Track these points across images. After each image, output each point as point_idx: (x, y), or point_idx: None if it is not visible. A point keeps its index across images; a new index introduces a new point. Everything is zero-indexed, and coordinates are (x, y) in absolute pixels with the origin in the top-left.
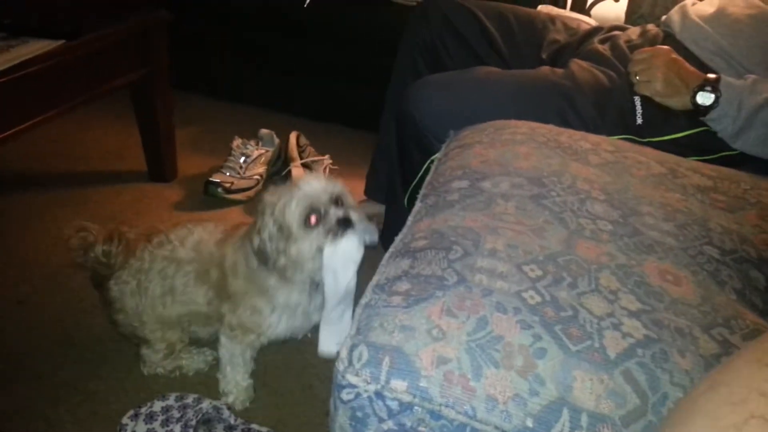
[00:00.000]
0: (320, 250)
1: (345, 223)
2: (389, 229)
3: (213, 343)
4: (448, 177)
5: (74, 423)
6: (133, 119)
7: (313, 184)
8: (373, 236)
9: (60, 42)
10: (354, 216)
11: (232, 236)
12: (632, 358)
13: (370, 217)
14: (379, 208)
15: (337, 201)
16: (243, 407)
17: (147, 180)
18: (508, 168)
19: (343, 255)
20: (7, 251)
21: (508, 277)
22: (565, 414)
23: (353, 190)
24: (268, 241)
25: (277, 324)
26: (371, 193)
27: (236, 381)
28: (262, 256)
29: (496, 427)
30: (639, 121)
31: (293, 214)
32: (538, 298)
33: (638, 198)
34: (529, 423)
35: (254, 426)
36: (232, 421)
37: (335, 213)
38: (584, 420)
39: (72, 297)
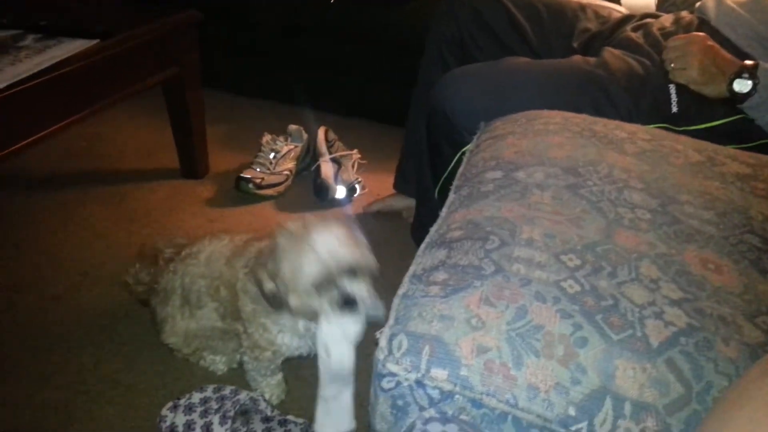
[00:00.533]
0: (317, 314)
1: (349, 303)
2: (420, 222)
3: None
4: (482, 168)
5: (116, 415)
6: (164, 117)
7: (333, 247)
8: (378, 311)
9: (94, 42)
10: (362, 294)
11: (242, 255)
12: (675, 347)
13: (398, 212)
14: (409, 202)
15: (352, 272)
16: (278, 401)
17: (179, 177)
18: (543, 158)
19: (337, 332)
20: (43, 248)
21: (546, 266)
22: (608, 403)
23: (382, 184)
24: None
25: (290, 343)
26: (400, 186)
27: (266, 382)
28: (275, 300)
29: (539, 416)
30: (674, 109)
31: (303, 274)
32: (577, 288)
33: (677, 186)
34: (572, 411)
35: (290, 417)
36: (268, 413)
37: (344, 287)
38: (627, 409)
39: (108, 293)
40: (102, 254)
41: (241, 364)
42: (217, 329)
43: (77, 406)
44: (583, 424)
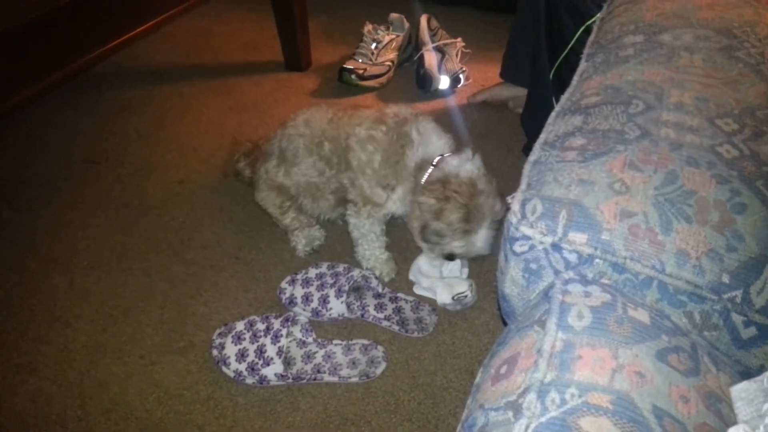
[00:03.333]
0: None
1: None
2: (531, 108)
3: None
4: (618, 33)
5: (239, 287)
6: (267, 12)
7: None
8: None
9: None
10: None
11: (348, 116)
12: None
13: (504, 102)
14: (516, 91)
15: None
16: (389, 279)
17: (284, 70)
18: (691, 20)
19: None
20: (165, 137)
21: (699, 131)
22: (767, 271)
23: (487, 73)
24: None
25: (399, 206)
26: (508, 74)
27: (375, 255)
28: (426, 231)
29: (688, 282)
30: None
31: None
32: (735, 153)
33: None
34: (725, 279)
35: (401, 295)
36: (380, 290)
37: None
38: None
39: (226, 178)
40: (217, 142)
41: (319, 249)
42: (311, 185)
43: (205, 278)
44: (738, 292)
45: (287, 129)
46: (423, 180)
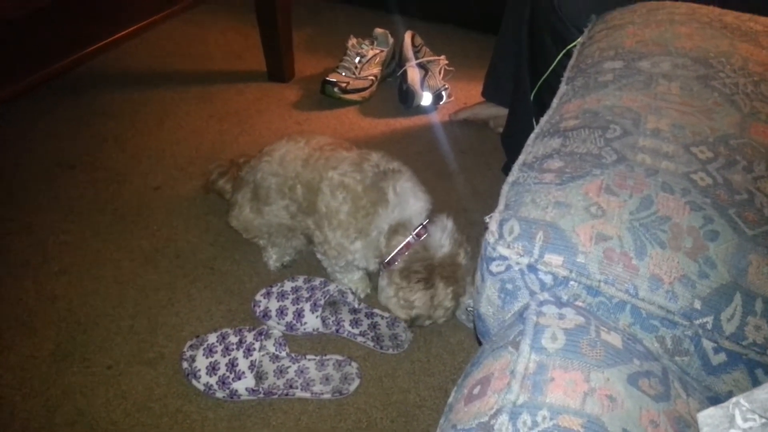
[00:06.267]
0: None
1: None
2: (512, 128)
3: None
4: (598, 58)
5: (212, 299)
6: (251, 21)
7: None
8: None
9: None
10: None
11: (325, 158)
12: None
13: (485, 121)
14: (497, 110)
15: None
16: (364, 295)
17: (266, 80)
18: (669, 48)
19: None
20: (143, 143)
21: (675, 157)
22: (738, 298)
23: (469, 92)
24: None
25: (360, 258)
26: (489, 94)
27: (348, 278)
28: (418, 321)
29: (660, 307)
30: None
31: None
32: (709, 180)
33: None
34: (697, 305)
35: (377, 310)
36: (356, 305)
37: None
38: (759, 306)
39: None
40: (196, 150)
41: (290, 264)
42: (283, 226)
43: (178, 288)
44: (709, 318)
45: (262, 163)
46: (397, 251)
